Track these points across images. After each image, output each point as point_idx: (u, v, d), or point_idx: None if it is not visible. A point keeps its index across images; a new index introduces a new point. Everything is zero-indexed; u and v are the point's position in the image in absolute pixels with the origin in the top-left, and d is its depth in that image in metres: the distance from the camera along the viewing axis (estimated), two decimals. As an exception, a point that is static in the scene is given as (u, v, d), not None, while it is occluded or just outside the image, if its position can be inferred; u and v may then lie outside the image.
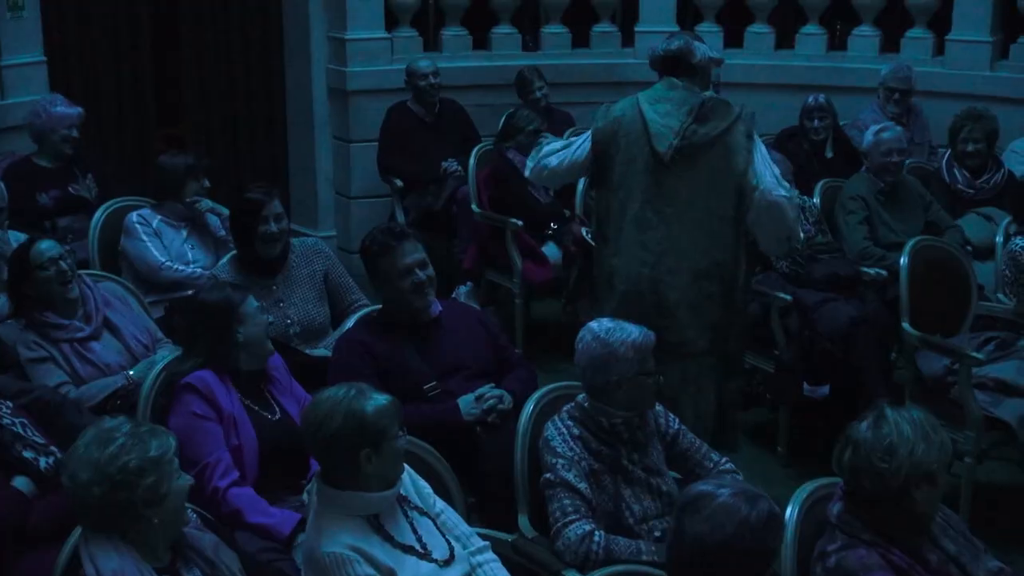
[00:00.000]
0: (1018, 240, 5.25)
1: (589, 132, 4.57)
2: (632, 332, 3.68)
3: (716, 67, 4.68)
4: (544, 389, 3.92)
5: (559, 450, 3.57)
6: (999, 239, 5.48)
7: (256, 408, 3.84)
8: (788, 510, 3.20)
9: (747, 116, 4.44)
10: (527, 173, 4.90)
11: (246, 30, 7.79)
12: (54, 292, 4.38)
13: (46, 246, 4.41)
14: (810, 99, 6.82)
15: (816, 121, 6.75)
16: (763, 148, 4.48)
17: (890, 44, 7.81)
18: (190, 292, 5.21)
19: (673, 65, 4.51)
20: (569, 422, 3.65)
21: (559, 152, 4.69)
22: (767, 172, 4.40)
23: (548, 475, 3.56)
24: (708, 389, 4.57)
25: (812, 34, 7.90)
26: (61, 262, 4.39)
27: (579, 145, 4.62)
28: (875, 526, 2.99)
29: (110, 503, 2.81)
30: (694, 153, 4.39)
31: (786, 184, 4.47)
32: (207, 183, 5.54)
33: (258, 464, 3.75)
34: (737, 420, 4.75)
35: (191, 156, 5.61)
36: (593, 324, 3.74)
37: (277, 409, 3.89)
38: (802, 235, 4.75)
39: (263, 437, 3.76)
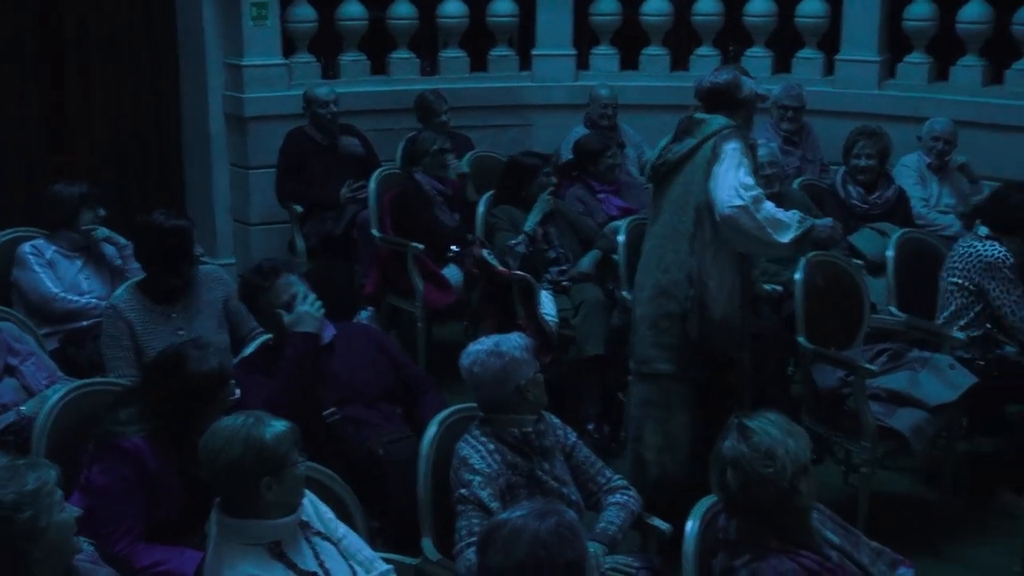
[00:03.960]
0: (978, 244, 5.28)
1: None
2: (514, 337, 3.76)
3: (761, 103, 4.59)
4: (446, 411, 3.89)
5: (477, 467, 3.56)
6: (890, 253, 5.62)
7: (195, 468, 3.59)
8: (688, 524, 3.23)
9: (727, 134, 4.38)
10: (785, 238, 4.36)
11: (139, 56, 7.67)
12: None
13: None
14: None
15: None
16: (734, 160, 4.34)
17: (782, 65, 7.98)
18: (84, 323, 5.15)
19: (717, 98, 4.52)
20: (483, 438, 3.65)
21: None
22: (723, 187, 4.31)
23: (463, 491, 3.53)
24: (679, 416, 4.55)
25: (706, 56, 8.01)
26: None
27: None
28: (776, 533, 3.01)
29: None
30: (669, 171, 4.52)
31: (744, 192, 4.29)
32: (102, 212, 5.44)
33: (179, 516, 3.61)
34: None
35: (85, 184, 5.48)
36: (475, 346, 3.75)
37: None
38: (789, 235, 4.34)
39: (196, 495, 3.55)
